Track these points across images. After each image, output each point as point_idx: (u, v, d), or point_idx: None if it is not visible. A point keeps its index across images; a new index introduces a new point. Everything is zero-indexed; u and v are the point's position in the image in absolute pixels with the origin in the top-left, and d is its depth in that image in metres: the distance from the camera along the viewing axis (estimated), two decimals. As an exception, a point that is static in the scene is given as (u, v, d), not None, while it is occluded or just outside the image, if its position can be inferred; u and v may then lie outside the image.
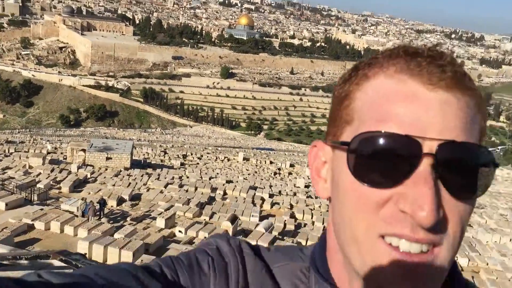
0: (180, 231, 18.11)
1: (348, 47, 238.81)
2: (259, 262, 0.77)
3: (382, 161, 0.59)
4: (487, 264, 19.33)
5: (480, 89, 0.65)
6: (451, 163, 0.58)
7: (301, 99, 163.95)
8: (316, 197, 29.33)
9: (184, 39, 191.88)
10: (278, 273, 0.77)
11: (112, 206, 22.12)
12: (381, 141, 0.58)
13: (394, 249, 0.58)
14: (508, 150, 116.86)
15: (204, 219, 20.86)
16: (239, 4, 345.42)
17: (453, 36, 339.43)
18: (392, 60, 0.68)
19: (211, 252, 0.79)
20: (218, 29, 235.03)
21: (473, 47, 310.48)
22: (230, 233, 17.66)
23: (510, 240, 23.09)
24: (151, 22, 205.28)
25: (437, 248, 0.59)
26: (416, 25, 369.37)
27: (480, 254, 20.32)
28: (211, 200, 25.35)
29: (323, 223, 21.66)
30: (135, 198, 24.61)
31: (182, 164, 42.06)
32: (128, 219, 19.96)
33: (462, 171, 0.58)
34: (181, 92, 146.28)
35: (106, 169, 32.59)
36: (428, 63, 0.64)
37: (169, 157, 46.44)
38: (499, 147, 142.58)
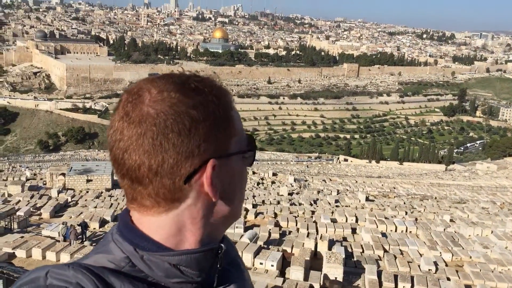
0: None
1: (323, 53, 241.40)
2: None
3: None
4: (470, 257, 19.63)
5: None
6: None
7: (280, 108, 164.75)
8: (299, 204, 29.47)
9: (159, 56, 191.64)
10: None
11: (94, 228, 21.88)
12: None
13: None
14: (487, 144, 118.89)
15: (189, 234, 20.77)
16: (213, 18, 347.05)
17: (424, 36, 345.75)
18: None
19: (67, 284, 0.88)
20: (193, 44, 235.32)
21: (444, 45, 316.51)
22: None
23: (492, 232, 23.49)
24: (125, 42, 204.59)
25: None
26: (388, 28, 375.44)
27: (463, 248, 20.63)
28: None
29: (307, 229, 21.77)
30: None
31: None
32: (112, 240, 19.69)
33: None
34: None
35: (87, 192, 32.27)
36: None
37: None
38: (478, 142, 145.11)
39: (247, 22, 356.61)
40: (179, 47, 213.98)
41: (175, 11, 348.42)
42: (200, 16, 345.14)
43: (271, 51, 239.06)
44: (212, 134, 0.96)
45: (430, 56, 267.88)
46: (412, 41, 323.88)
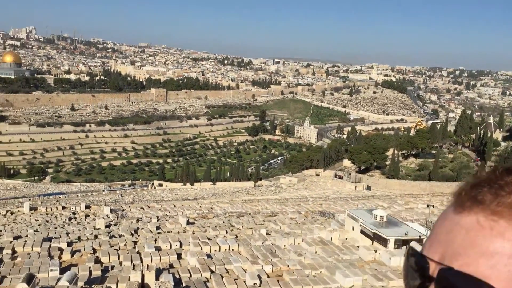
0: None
1: (129, 78, 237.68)
2: None
3: (411, 270, 0.71)
4: (288, 266, 21.22)
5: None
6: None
7: (87, 136, 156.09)
8: (120, 236, 28.07)
9: None
10: None
11: None
12: (413, 254, 0.71)
13: None
14: (287, 159, 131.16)
15: (-8, 287, 17.97)
16: (1, 41, 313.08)
17: (225, 62, 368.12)
18: None
19: None
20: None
21: (244, 70, 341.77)
22: (28, 296, 15.62)
23: (303, 240, 25.82)
24: None
25: None
26: (192, 54, 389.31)
27: (280, 259, 22.20)
28: (-2, 263, 22.01)
29: (131, 261, 20.82)
30: None
31: (-48, 228, 35.62)
32: None
33: None
34: None
35: None
36: (471, 187, 0.64)
37: None
38: (279, 158, 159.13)
39: (42, 46, 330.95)
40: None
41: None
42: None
43: (72, 77, 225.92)
44: None
45: (232, 80, 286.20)
46: (215, 67, 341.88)
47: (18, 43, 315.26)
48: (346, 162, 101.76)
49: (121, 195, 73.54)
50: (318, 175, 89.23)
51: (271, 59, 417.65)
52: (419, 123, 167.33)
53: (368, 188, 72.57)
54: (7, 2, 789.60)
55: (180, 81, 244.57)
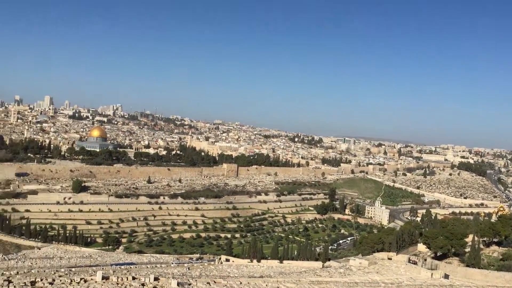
0: None
1: (203, 153, 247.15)
2: None
3: None
4: None
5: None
6: None
7: (160, 208, 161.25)
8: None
9: (29, 154, 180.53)
10: None
11: None
12: None
13: None
14: (357, 240, 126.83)
15: None
16: (91, 117, 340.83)
17: (296, 139, 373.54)
18: None
19: None
20: (68, 142, 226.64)
21: (314, 148, 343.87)
22: None
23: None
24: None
25: None
26: (263, 131, 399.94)
27: None
28: (70, 330, 22.71)
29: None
30: None
31: (31, 292, 37.34)
32: None
33: None
34: (27, 211, 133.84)
35: None
36: None
37: (14, 286, 40.97)
38: (349, 238, 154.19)
39: (126, 122, 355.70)
40: (52, 145, 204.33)
41: (49, 109, 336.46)
42: (76, 114, 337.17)
43: (151, 151, 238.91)
44: None
45: (302, 157, 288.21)
46: (286, 144, 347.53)
47: (105, 119, 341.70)
48: (421, 247, 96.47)
49: (188, 268, 73.97)
50: (390, 258, 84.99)
51: (341, 137, 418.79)
52: (501, 209, 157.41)
53: (446, 276, 67.75)
54: (98, 81, 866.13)
55: (251, 157, 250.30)
